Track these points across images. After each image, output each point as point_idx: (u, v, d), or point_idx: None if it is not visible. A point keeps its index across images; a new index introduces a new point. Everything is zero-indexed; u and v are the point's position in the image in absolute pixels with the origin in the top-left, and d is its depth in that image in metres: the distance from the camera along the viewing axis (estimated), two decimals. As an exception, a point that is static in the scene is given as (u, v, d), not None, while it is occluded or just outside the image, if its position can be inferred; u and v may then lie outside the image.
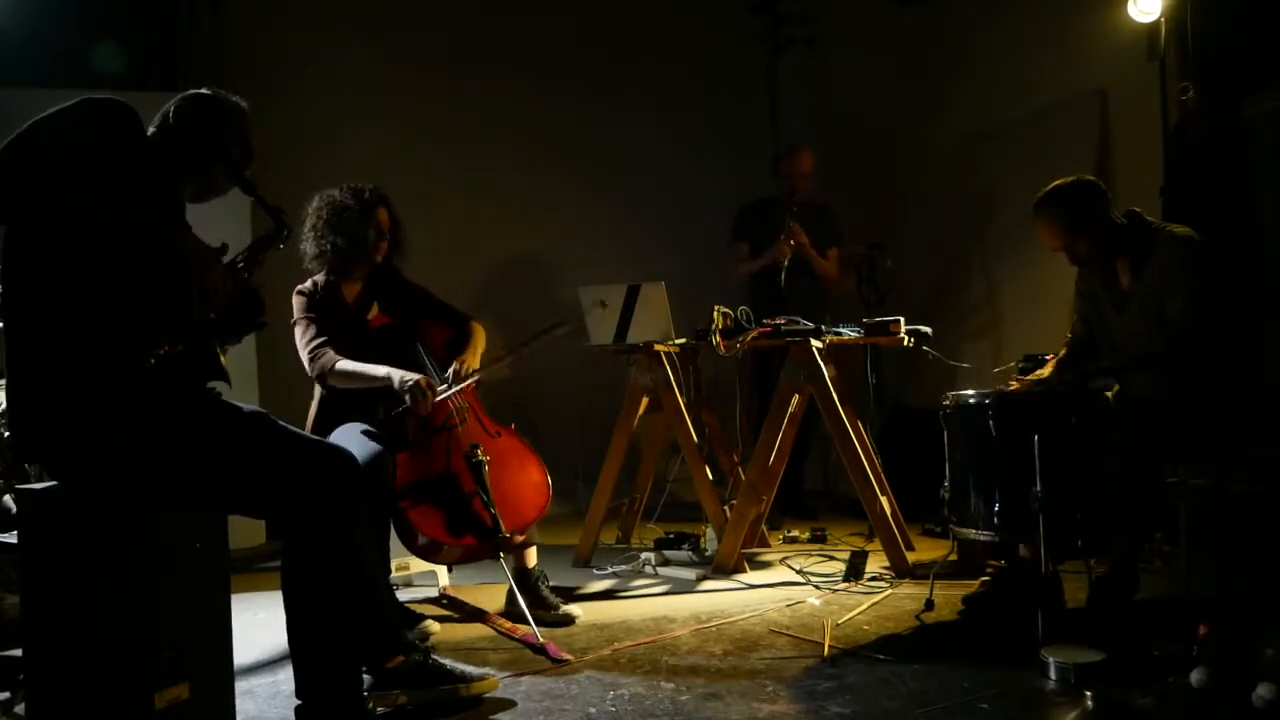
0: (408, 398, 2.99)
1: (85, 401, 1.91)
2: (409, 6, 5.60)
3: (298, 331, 3.15)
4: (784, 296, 4.36)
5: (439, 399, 3.07)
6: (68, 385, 1.91)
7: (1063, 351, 3.32)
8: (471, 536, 2.95)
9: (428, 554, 3.06)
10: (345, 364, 3.08)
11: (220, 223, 2.38)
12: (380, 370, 3.05)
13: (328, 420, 3.08)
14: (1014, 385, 3.19)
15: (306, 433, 3.02)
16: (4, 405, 2.92)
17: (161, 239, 2.00)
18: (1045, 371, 3.23)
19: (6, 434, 2.88)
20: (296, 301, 3.18)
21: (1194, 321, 2.92)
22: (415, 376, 3.02)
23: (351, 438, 2.93)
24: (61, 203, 1.89)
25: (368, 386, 3.07)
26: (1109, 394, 3.07)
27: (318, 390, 3.16)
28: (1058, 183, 3.14)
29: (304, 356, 3.12)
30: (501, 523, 2.94)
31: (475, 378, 3.18)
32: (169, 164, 2.14)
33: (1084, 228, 3.06)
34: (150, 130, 2.18)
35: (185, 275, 2.03)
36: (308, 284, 3.21)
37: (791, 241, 4.63)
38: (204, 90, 2.21)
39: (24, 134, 1.90)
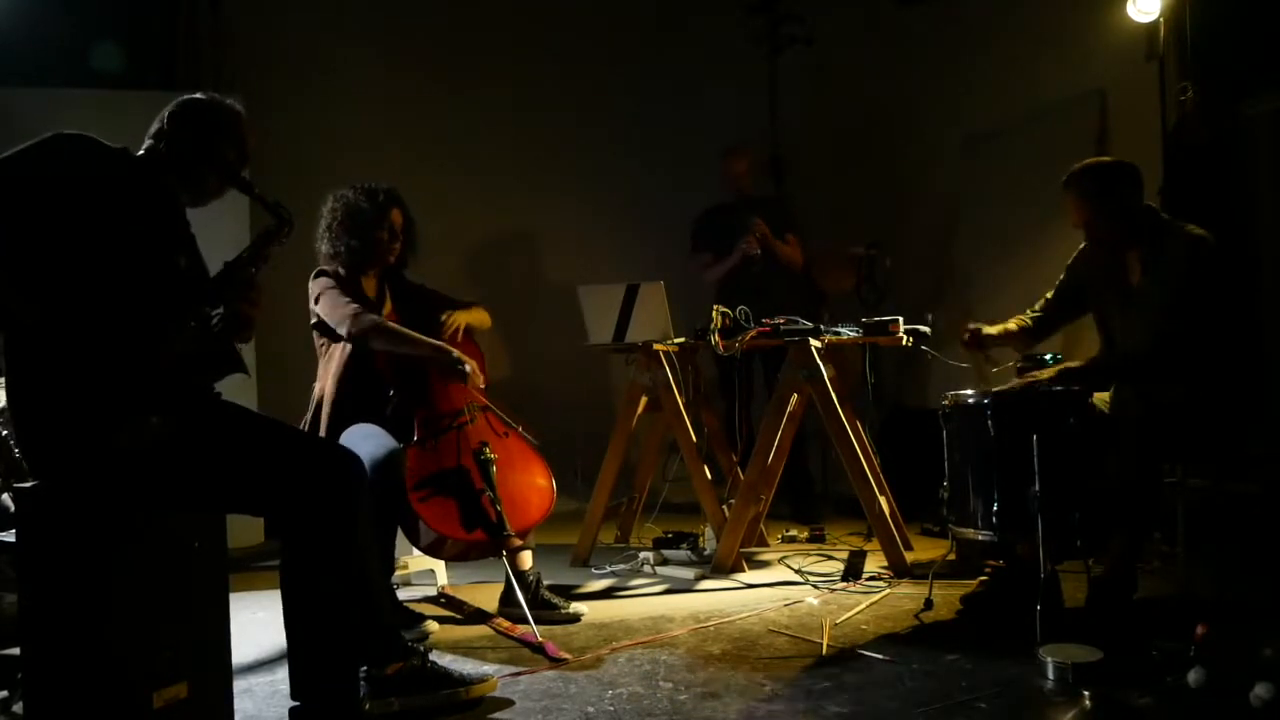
0: (459, 368, 3.08)
1: (94, 404, 1.91)
2: (408, 6, 5.60)
3: (329, 298, 3.11)
4: (760, 289, 4.31)
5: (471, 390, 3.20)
6: (74, 388, 1.91)
7: (1025, 321, 3.36)
8: (481, 531, 2.98)
9: (431, 549, 3.08)
10: (393, 325, 3.09)
11: (220, 222, 2.40)
12: (430, 340, 3.11)
13: (340, 422, 3.07)
14: (1012, 382, 3.19)
15: (308, 432, 3.05)
16: (3, 403, 2.92)
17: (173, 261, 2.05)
18: (1047, 372, 3.22)
19: (5, 433, 2.89)
20: (320, 281, 3.17)
21: (1173, 322, 2.92)
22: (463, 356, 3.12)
23: (365, 436, 2.94)
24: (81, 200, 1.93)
25: (410, 352, 3.10)
26: (1104, 395, 3.07)
27: (320, 388, 3.16)
28: (1100, 159, 3.19)
29: (341, 314, 3.07)
30: (507, 521, 2.96)
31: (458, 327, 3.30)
32: (165, 171, 2.16)
33: (1115, 209, 3.07)
34: (147, 138, 2.20)
35: (188, 274, 2.06)
36: (328, 268, 3.21)
37: (758, 235, 4.71)
38: (198, 95, 2.22)
39: (10, 157, 1.94)
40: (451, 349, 3.14)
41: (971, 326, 3.36)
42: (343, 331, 3.08)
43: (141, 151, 2.18)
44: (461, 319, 3.32)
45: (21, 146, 1.96)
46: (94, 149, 2.06)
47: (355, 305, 3.09)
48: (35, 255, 1.92)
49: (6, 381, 1.98)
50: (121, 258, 1.99)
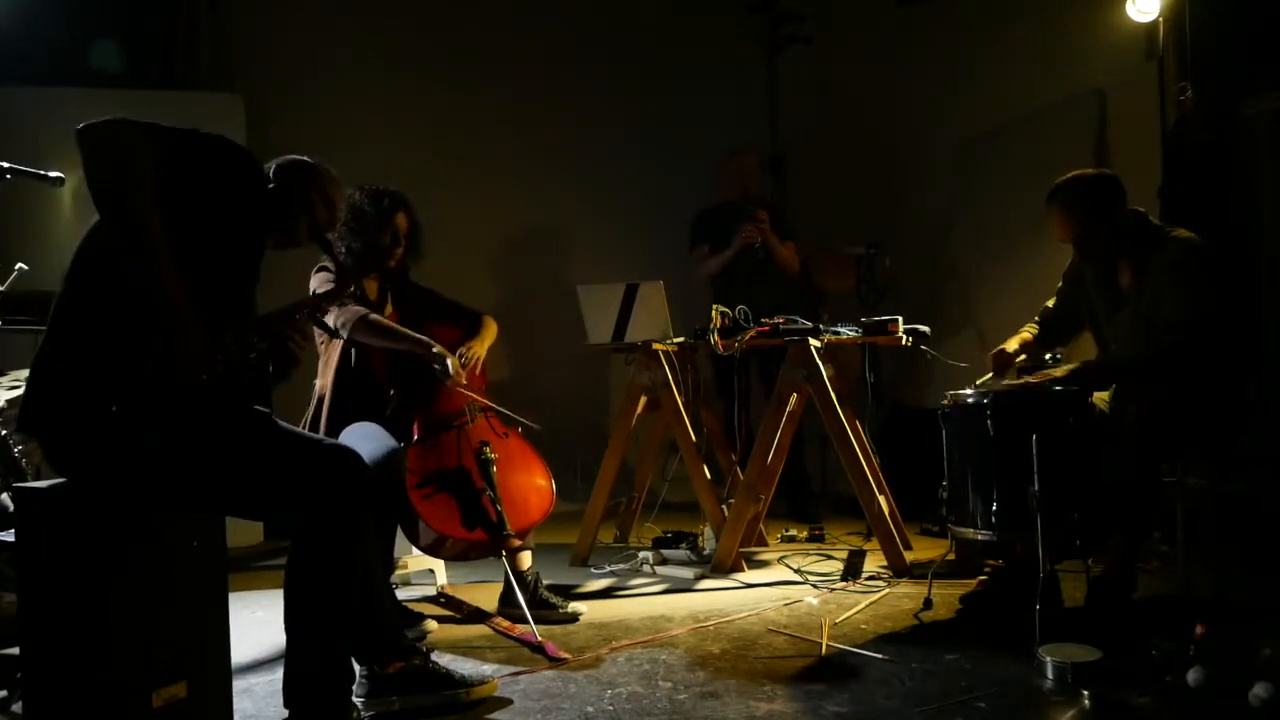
0: (437, 366, 3.04)
1: (122, 406, 1.91)
2: (408, 6, 5.61)
3: (323, 291, 3.12)
4: (756, 287, 4.27)
5: (458, 389, 3.13)
6: (107, 389, 1.91)
7: (1035, 330, 3.37)
8: (482, 530, 2.98)
9: (431, 548, 3.09)
10: (375, 316, 3.08)
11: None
12: (412, 333, 3.07)
13: (339, 420, 3.07)
14: (1014, 381, 3.19)
15: (308, 432, 3.05)
16: (3, 402, 2.92)
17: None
18: (1059, 371, 3.22)
19: (4, 432, 2.89)
20: (320, 274, 3.17)
21: (1181, 325, 2.92)
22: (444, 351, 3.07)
23: (365, 436, 2.94)
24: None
25: (390, 345, 3.08)
26: (1103, 395, 3.08)
27: (321, 386, 3.16)
28: (1082, 173, 3.14)
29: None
30: (507, 521, 2.97)
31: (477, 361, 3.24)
32: (264, 213, 2.27)
33: (1100, 223, 3.05)
34: None
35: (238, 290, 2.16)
36: (330, 264, 3.20)
37: (760, 224, 4.75)
38: (305, 158, 2.42)
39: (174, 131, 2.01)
40: (432, 343, 3.09)
41: (996, 350, 3.35)
42: (328, 321, 3.09)
43: None
44: (480, 350, 3.30)
45: (186, 130, 2.05)
46: (245, 163, 2.18)
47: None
48: (114, 251, 1.95)
49: (30, 376, 1.98)
50: (223, 271, 2.10)
